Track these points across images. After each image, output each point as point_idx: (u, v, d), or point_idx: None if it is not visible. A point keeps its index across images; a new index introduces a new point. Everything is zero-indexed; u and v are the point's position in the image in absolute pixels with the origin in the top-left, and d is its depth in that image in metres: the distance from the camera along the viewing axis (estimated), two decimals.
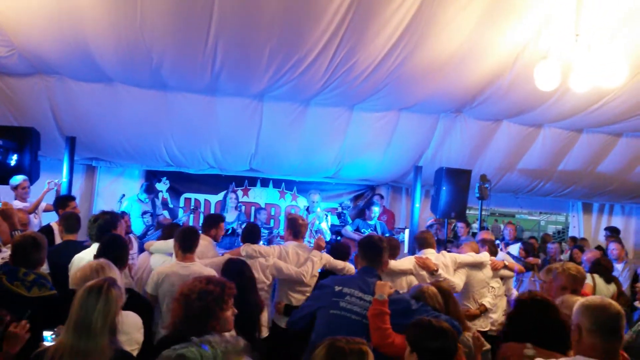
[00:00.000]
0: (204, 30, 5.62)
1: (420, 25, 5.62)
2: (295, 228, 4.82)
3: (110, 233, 3.82)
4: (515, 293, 5.48)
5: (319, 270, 4.73)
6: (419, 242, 4.92)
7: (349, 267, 4.71)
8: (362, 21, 5.54)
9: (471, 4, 5.40)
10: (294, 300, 4.50)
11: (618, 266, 6.74)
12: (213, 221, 4.96)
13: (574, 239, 10.15)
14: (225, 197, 8.49)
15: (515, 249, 7.33)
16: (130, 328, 2.75)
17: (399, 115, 7.89)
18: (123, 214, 5.51)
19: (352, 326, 2.94)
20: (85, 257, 3.78)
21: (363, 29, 5.65)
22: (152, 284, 3.87)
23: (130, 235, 5.38)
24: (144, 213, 7.76)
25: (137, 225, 7.69)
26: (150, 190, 7.98)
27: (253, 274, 3.58)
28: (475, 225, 9.68)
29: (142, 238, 7.33)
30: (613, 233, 9.36)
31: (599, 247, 7.63)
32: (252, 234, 4.68)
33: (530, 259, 7.27)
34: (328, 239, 7.54)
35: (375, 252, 3.40)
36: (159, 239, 5.20)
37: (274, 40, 5.81)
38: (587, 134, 8.52)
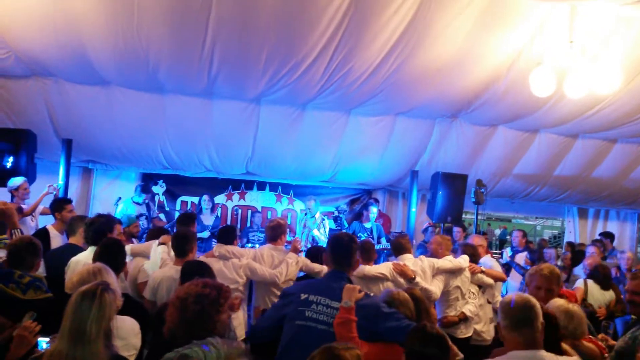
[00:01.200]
0: (201, 33, 5.64)
1: (417, 31, 5.66)
2: (272, 231, 4.79)
3: (107, 237, 3.81)
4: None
5: (299, 274, 4.71)
6: (395, 248, 4.80)
7: (326, 270, 4.67)
8: (359, 26, 5.57)
9: (467, 10, 5.44)
10: (271, 304, 4.47)
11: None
12: (187, 220, 4.96)
13: (571, 244, 10.17)
14: (200, 199, 8.42)
15: (522, 257, 7.25)
16: (127, 333, 2.74)
17: (395, 119, 7.92)
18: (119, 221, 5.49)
19: (320, 337, 2.70)
20: (81, 260, 3.79)
21: (360, 34, 5.68)
22: (149, 290, 3.87)
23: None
24: (139, 215, 7.74)
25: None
26: (146, 190, 7.96)
27: (214, 276, 3.38)
28: (472, 229, 9.73)
29: (139, 241, 7.32)
30: (608, 238, 9.41)
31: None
32: (227, 235, 4.64)
33: (547, 264, 7.23)
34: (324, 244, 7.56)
35: (344, 253, 3.08)
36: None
37: (271, 44, 5.84)
38: (583, 140, 8.56)
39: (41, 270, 3.87)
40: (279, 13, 5.43)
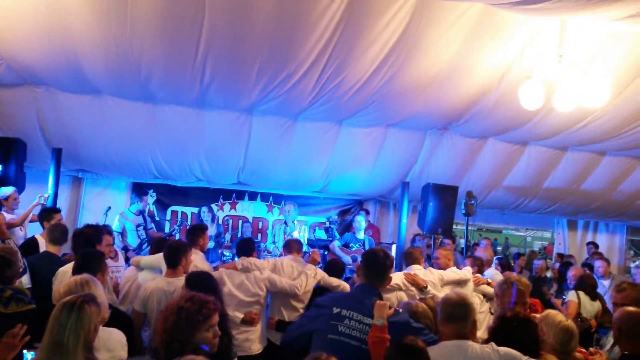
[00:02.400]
0: (194, 43, 5.64)
1: (408, 43, 5.70)
2: (288, 245, 4.92)
3: (86, 248, 3.76)
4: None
5: (315, 287, 4.73)
6: (407, 258, 4.92)
7: (344, 286, 4.69)
8: (351, 38, 5.60)
9: (457, 24, 5.49)
10: (287, 316, 4.49)
11: (605, 282, 6.79)
12: (198, 231, 4.97)
13: (560, 255, 10.24)
14: (199, 211, 8.43)
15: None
16: (114, 345, 2.72)
17: (386, 131, 7.95)
18: (106, 227, 5.44)
19: (351, 352, 2.80)
20: (69, 270, 3.75)
21: (352, 46, 5.71)
22: (140, 301, 3.85)
23: (115, 249, 5.34)
24: (138, 226, 7.74)
25: (132, 238, 7.68)
26: (140, 195, 7.93)
27: (218, 286, 3.39)
28: (463, 241, 9.74)
29: (137, 251, 7.29)
30: (596, 248, 9.49)
31: (588, 266, 7.67)
32: (246, 247, 4.67)
33: (507, 274, 7.32)
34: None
35: (378, 270, 3.12)
36: (149, 253, 5.18)
37: (264, 54, 5.85)
38: (572, 152, 8.64)
39: (26, 282, 3.85)
40: (272, 24, 5.45)
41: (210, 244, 7.64)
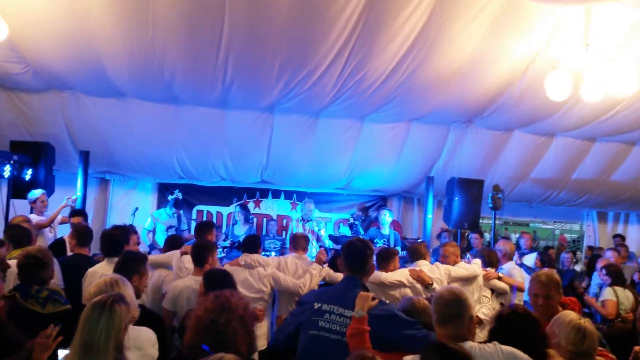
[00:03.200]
0: (215, 44, 5.68)
1: (430, 36, 5.63)
2: (294, 241, 4.86)
3: (127, 250, 3.82)
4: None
5: (320, 283, 4.71)
6: (411, 254, 4.77)
7: None
8: (372, 33, 5.56)
9: (481, 15, 5.39)
10: None
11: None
12: (205, 228, 5.00)
13: (591, 248, 10.05)
14: (235, 210, 8.52)
15: (531, 258, 7.21)
16: (145, 343, 2.74)
17: (409, 126, 7.89)
18: (132, 227, 5.52)
19: (332, 347, 2.71)
20: (99, 271, 3.82)
21: (372, 41, 5.67)
22: (169, 300, 3.90)
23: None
24: (169, 227, 7.85)
25: (162, 238, 7.81)
26: (177, 205, 8.12)
27: (235, 284, 3.38)
28: (488, 235, 9.61)
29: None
30: (622, 240, 9.28)
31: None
32: (251, 244, 4.68)
33: (546, 270, 7.15)
34: (325, 245, 7.61)
35: (358, 258, 3.00)
36: (162, 252, 5.25)
37: (284, 53, 5.86)
38: (601, 143, 8.46)
39: (59, 282, 3.93)
40: (292, 22, 5.44)
41: (226, 242, 7.68)
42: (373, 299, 2.75)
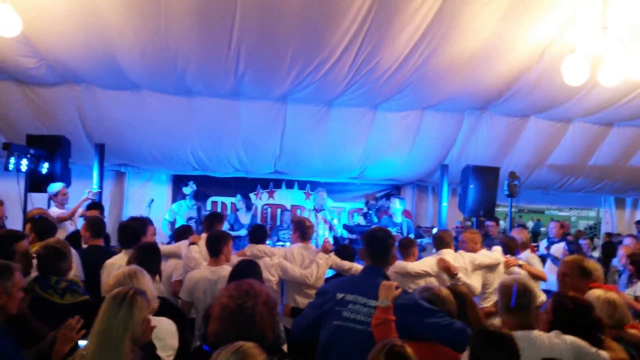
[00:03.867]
0: (227, 35, 5.68)
1: (444, 22, 5.57)
2: (302, 230, 4.78)
3: (143, 242, 3.84)
4: (542, 297, 5.15)
5: (331, 273, 4.71)
6: (437, 242, 4.80)
7: (356, 267, 4.62)
8: (384, 20, 5.51)
9: (494, 0, 5.32)
10: (301, 303, 4.47)
11: None
12: (215, 220, 5.02)
13: (609, 234, 9.92)
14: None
15: (559, 249, 7.06)
16: (165, 334, 2.76)
17: (423, 114, 7.83)
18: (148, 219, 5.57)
19: (358, 337, 2.67)
20: (116, 262, 3.84)
21: (385, 28, 5.62)
22: (186, 291, 3.92)
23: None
24: (190, 219, 7.93)
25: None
26: (197, 197, 8.21)
27: (261, 275, 3.42)
28: (503, 223, 9.55)
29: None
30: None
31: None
32: (258, 234, 4.69)
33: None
34: (339, 234, 7.62)
35: (380, 248, 2.97)
36: (174, 241, 5.29)
37: (296, 42, 5.84)
38: (618, 128, 8.33)
39: (80, 274, 3.97)
40: (303, 11, 5.42)
41: (242, 232, 7.74)
42: (396, 288, 2.72)
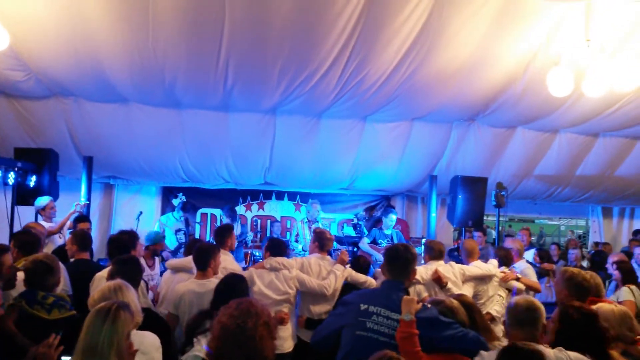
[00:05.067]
0: (215, 47, 5.69)
1: (430, 35, 5.64)
2: (322, 241, 4.81)
3: (123, 255, 3.82)
4: None
5: (343, 283, 4.72)
6: (426, 252, 4.81)
7: (371, 281, 4.67)
8: (372, 33, 5.56)
9: (480, 12, 5.40)
10: (315, 314, 4.49)
11: None
12: (225, 232, 4.99)
13: (597, 244, 10.01)
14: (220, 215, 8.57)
15: (529, 254, 7.21)
16: (149, 348, 2.75)
17: (411, 125, 7.88)
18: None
19: (380, 348, 2.70)
20: (106, 276, 3.82)
21: (373, 41, 5.67)
22: (171, 303, 3.90)
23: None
24: (178, 230, 7.91)
25: (172, 241, 7.88)
26: (185, 209, 8.22)
27: (247, 291, 3.41)
28: (494, 232, 9.59)
29: (175, 254, 7.45)
30: (637, 236, 9.21)
31: (627, 254, 7.36)
32: (277, 247, 4.65)
33: (546, 265, 7.18)
34: None
35: (401, 263, 3.14)
36: (184, 256, 5.24)
37: (284, 55, 5.87)
38: (604, 138, 8.43)
39: (67, 288, 3.95)
40: (292, 24, 5.45)
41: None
42: (417, 302, 2.87)
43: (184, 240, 8.02)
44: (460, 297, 3.31)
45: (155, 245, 5.36)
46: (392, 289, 3.05)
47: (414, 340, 2.70)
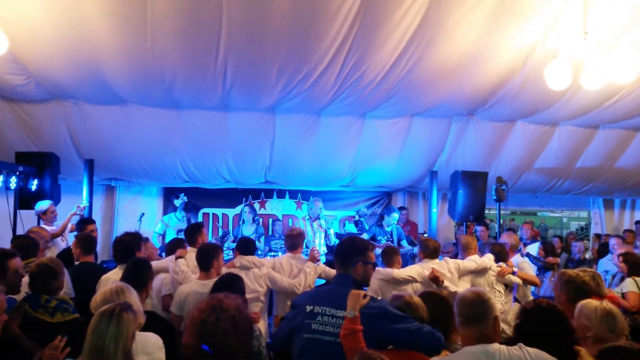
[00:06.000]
0: (213, 47, 5.70)
1: (428, 31, 5.64)
2: (291, 240, 4.86)
3: (134, 256, 3.86)
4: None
5: (322, 282, 4.74)
6: (421, 249, 4.81)
7: None
8: (370, 30, 5.57)
9: (477, 7, 5.39)
10: None
11: None
12: (194, 231, 5.02)
13: (598, 235, 10.02)
14: (241, 210, 8.58)
15: (534, 248, 7.22)
16: (152, 348, 2.77)
17: (411, 120, 7.89)
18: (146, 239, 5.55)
19: (326, 348, 2.70)
20: (112, 277, 3.86)
21: (371, 38, 5.68)
22: (176, 305, 3.93)
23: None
24: (179, 231, 7.94)
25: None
26: (187, 209, 8.26)
27: (244, 289, 3.45)
28: (496, 226, 9.60)
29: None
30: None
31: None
32: (246, 246, 4.70)
33: (550, 259, 7.18)
34: (331, 243, 7.65)
35: (346, 253, 2.97)
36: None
37: (283, 53, 5.87)
38: (604, 130, 8.43)
39: (70, 291, 3.97)
40: (289, 22, 5.46)
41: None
42: (364, 296, 2.72)
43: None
44: (440, 291, 3.31)
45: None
46: (341, 284, 2.91)
47: (357, 337, 2.58)
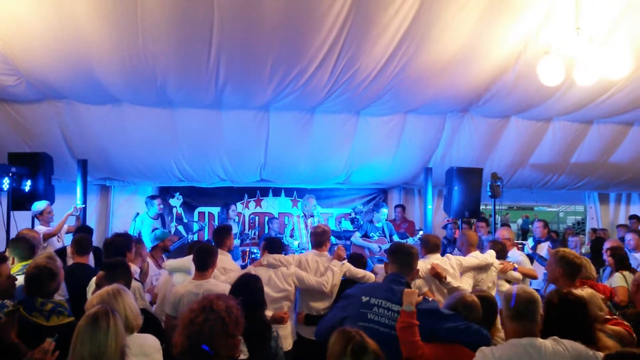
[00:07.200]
0: (206, 46, 5.67)
1: (420, 28, 5.63)
2: (317, 237, 4.86)
3: (111, 259, 3.82)
4: None
5: (342, 278, 4.74)
6: (423, 246, 4.77)
7: (369, 276, 4.70)
8: (362, 27, 5.55)
9: (470, 3, 5.38)
10: (315, 310, 4.51)
11: (637, 255, 6.54)
12: (224, 233, 5.00)
13: (594, 230, 10.05)
14: (226, 210, 8.49)
15: (543, 248, 7.06)
16: (150, 350, 2.78)
17: (405, 117, 7.88)
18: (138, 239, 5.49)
19: (381, 338, 2.78)
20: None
21: (363, 35, 5.66)
22: (170, 305, 3.92)
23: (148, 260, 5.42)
24: (154, 230, 7.86)
25: (147, 241, 7.82)
26: (154, 197, 8.09)
27: (262, 289, 3.48)
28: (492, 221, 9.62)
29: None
30: (638, 221, 9.23)
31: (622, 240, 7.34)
32: (274, 245, 4.68)
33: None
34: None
35: (404, 257, 3.38)
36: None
37: (276, 51, 5.85)
38: (598, 125, 8.43)
39: (63, 293, 3.96)
40: (282, 20, 5.44)
41: (236, 241, 7.74)
42: (418, 295, 3.01)
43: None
44: (481, 293, 3.43)
45: (165, 242, 5.38)
46: (394, 282, 3.18)
47: (413, 330, 2.81)
